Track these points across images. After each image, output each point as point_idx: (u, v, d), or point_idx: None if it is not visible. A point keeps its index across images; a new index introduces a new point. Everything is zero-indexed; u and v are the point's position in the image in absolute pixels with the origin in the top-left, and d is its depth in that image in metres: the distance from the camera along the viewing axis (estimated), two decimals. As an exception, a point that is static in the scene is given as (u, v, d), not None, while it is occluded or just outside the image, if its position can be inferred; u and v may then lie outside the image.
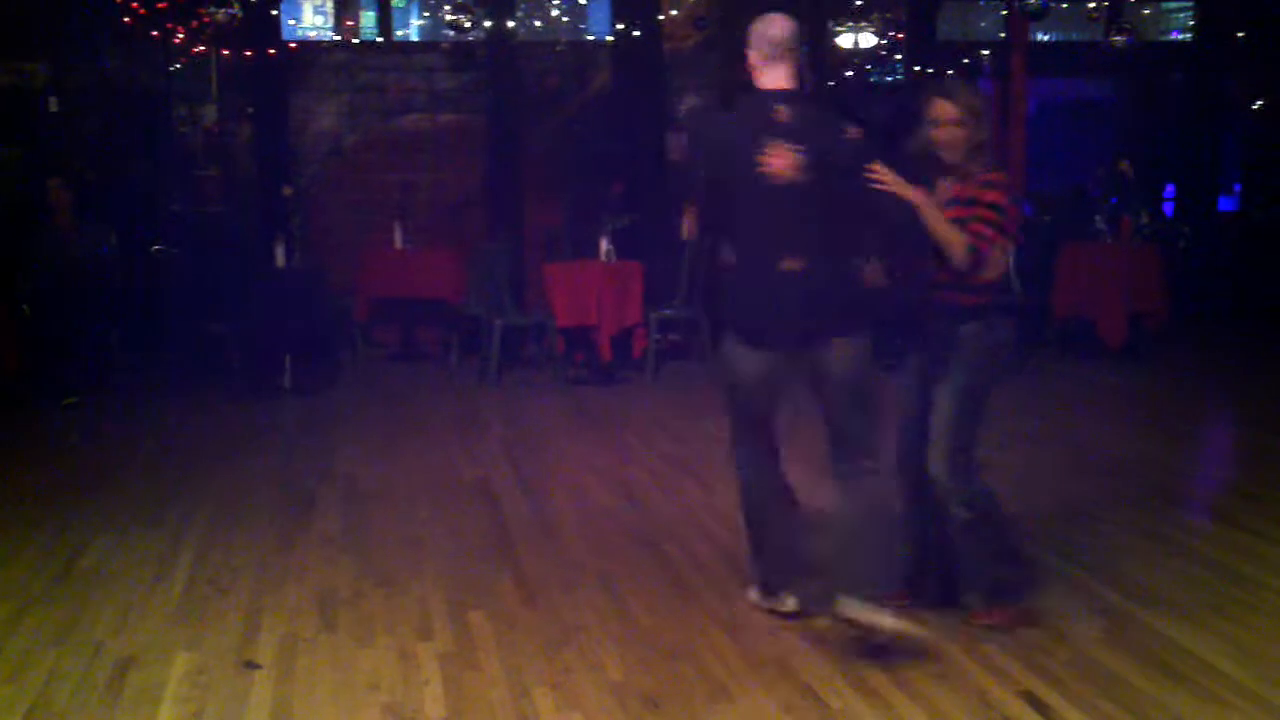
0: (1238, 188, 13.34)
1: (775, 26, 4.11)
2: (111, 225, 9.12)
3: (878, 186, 4.00)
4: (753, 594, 4.54)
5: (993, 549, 4.33)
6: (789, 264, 4.04)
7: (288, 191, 9.98)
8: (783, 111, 4.05)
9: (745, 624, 4.40)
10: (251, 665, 4.12)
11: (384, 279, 9.99)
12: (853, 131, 4.06)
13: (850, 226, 4.14)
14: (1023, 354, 4.34)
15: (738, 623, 4.41)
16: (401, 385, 9.20)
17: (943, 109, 4.14)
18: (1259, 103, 12.18)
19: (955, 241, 4.05)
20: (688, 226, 4.36)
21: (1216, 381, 9.19)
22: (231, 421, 7.94)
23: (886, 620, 4.03)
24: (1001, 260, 4.28)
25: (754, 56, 4.13)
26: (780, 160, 3.99)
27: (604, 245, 8.99)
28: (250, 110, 10.74)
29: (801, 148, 3.98)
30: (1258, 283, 11.28)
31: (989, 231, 4.08)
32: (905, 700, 3.78)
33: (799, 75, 4.13)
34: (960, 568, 4.37)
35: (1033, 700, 3.76)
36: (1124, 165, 10.15)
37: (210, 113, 10.86)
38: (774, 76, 4.11)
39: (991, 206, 4.10)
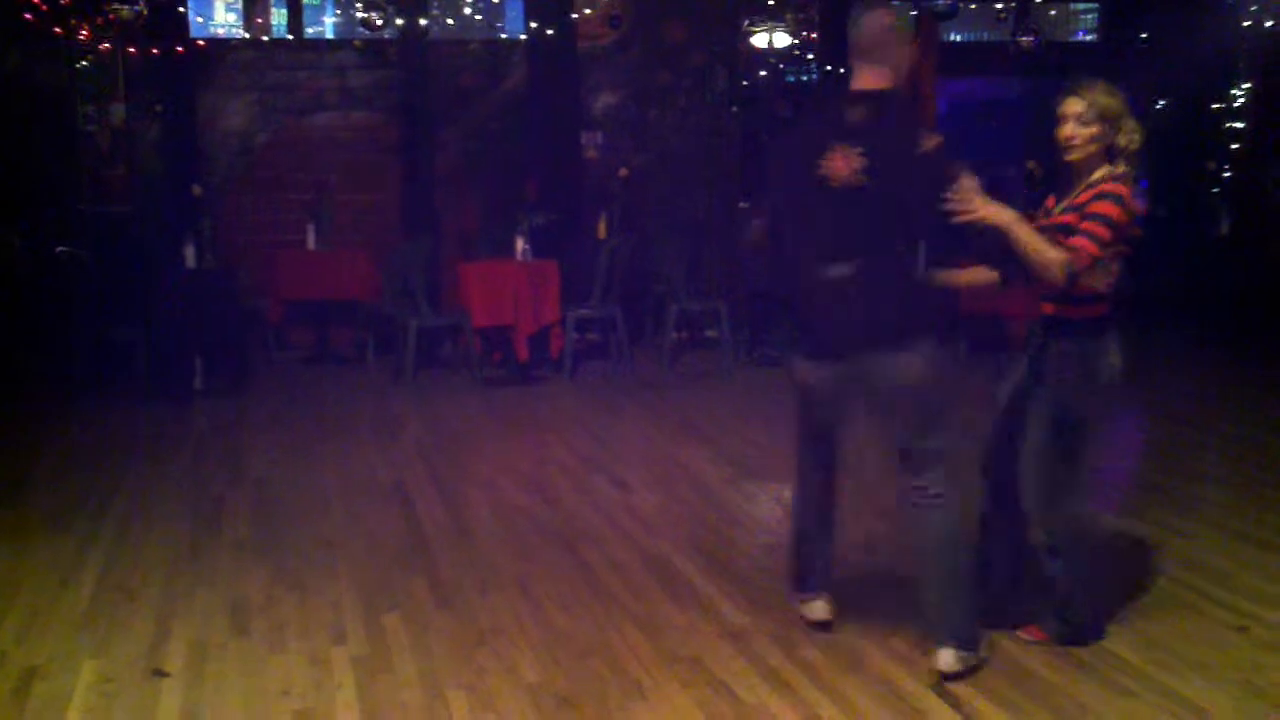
0: (1144, 184, 13.62)
1: (862, 23, 3.92)
2: (14, 225, 8.92)
3: (962, 209, 3.76)
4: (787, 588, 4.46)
5: (1072, 576, 4.12)
6: (838, 271, 3.80)
7: (197, 191, 9.83)
8: (857, 113, 3.83)
9: (661, 623, 4.41)
10: (160, 673, 4.05)
11: (296, 280, 9.88)
12: (930, 141, 3.81)
13: (914, 236, 3.93)
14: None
15: (653, 622, 4.42)
16: (316, 387, 9.11)
17: (1068, 104, 3.93)
18: (1161, 102, 12.44)
19: (1051, 261, 3.77)
20: (755, 236, 4.17)
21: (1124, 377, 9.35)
22: (140, 424, 7.81)
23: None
24: (1113, 268, 3.97)
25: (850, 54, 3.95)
26: (840, 164, 3.77)
27: (520, 244, 8.97)
28: (158, 108, 10.55)
29: (863, 150, 3.74)
30: (1160, 278, 11.52)
31: (1091, 247, 3.79)
32: (818, 694, 3.82)
33: (894, 76, 3.90)
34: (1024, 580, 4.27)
35: (943, 692, 3.81)
36: (1033, 165, 10.32)
37: (117, 111, 10.65)
38: (861, 76, 3.92)
39: (1099, 219, 3.82)
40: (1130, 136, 3.95)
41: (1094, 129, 3.91)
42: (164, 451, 7.12)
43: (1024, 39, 10.59)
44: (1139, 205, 3.98)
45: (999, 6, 11.67)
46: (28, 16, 9.89)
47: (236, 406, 8.41)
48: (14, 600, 4.72)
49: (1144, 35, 11.98)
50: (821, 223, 3.87)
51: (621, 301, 9.37)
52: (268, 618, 4.53)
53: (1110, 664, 4.01)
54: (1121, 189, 3.86)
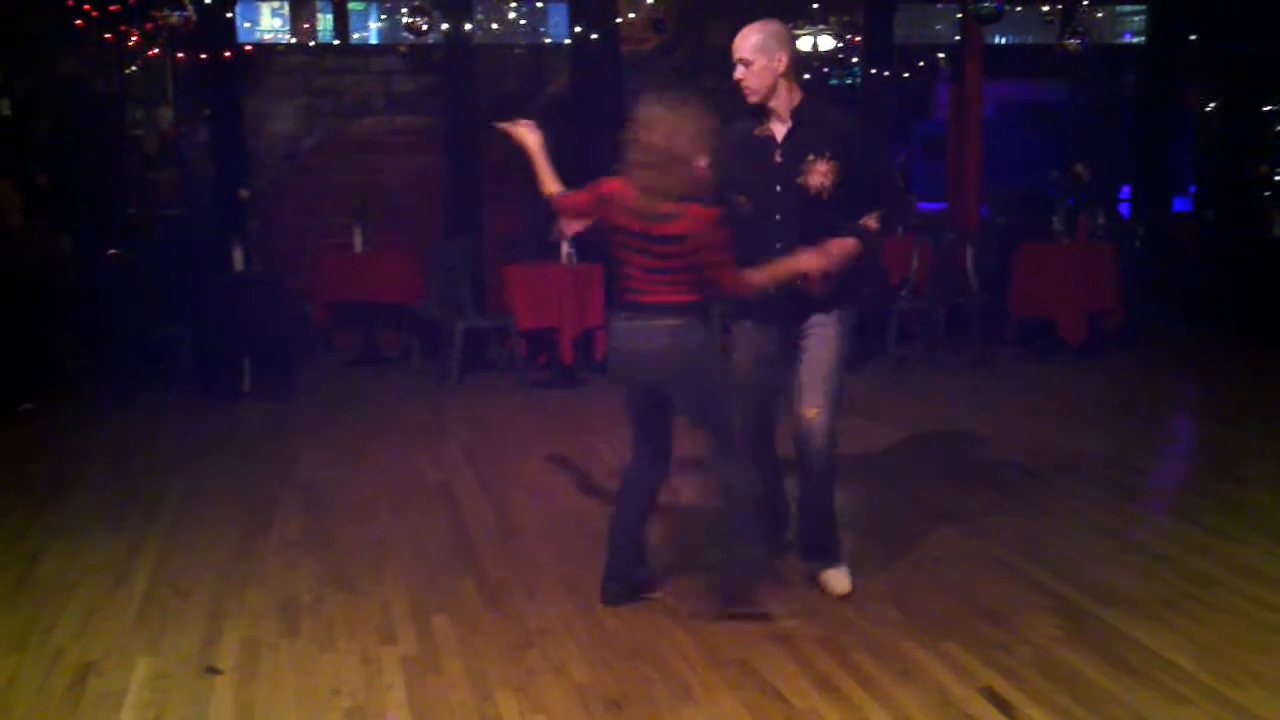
0: (1193, 189, 13.51)
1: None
2: (65, 229, 9.04)
3: None
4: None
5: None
6: None
7: (244, 194, 9.92)
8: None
9: (709, 625, 4.40)
10: (213, 670, 4.09)
11: (343, 282, 9.93)
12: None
13: None
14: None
15: (701, 624, 4.41)
16: (362, 389, 9.16)
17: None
18: (1212, 105, 12.33)
19: None
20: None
21: (1171, 380, 9.30)
22: (190, 426, 7.88)
23: None
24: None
25: (788, 60, 4.41)
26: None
27: (565, 248, 8.99)
28: (206, 113, 10.66)
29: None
30: (1211, 282, 11.41)
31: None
32: (868, 698, 3.80)
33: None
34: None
35: (993, 697, 3.79)
36: (1079, 168, 10.26)
37: (166, 115, 10.77)
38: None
39: None
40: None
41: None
42: (214, 452, 7.19)
43: (1071, 41, 10.52)
44: None
45: (1045, 9, 11.59)
46: (79, 23, 10.02)
47: (284, 408, 8.47)
48: (69, 598, 4.78)
49: (1193, 37, 11.86)
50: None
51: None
52: (317, 617, 4.57)
53: (1166, 671, 3.97)
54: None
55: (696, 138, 4.23)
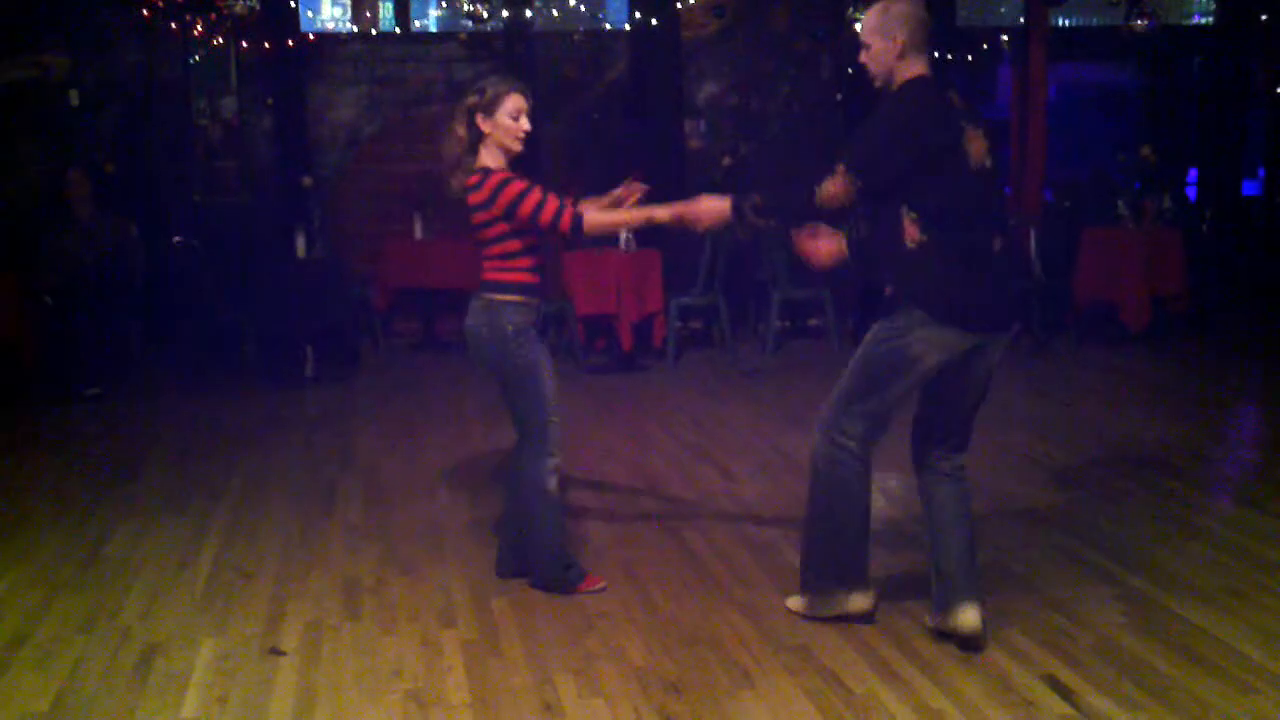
0: (1262, 172, 13.25)
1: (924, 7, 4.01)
2: (132, 217, 9.17)
3: None
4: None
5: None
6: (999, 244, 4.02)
7: (307, 182, 10.00)
8: (955, 97, 4.02)
9: (767, 611, 4.39)
10: (276, 652, 4.14)
11: (404, 269, 10.01)
12: None
13: None
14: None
15: (759, 610, 4.41)
16: (422, 374, 9.22)
17: None
18: (1282, 87, 12.09)
19: None
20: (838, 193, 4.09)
21: (1238, 365, 9.15)
22: (253, 411, 7.97)
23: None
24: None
25: (905, 41, 3.98)
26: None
27: (623, 233, 8.98)
28: (269, 102, 10.77)
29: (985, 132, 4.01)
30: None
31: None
32: (929, 685, 3.78)
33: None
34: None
35: (1055, 684, 3.75)
36: (1146, 151, 10.10)
37: (230, 104, 10.89)
38: (918, 65, 3.99)
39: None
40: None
41: None
42: (277, 437, 7.27)
43: (1138, 23, 10.34)
44: None
45: (1110, -10, 11.40)
46: (146, 14, 10.15)
47: (346, 393, 8.55)
48: (135, 579, 4.86)
49: (1264, 17, 11.62)
50: (984, 200, 4.00)
51: (724, 290, 9.35)
52: (379, 599, 4.61)
53: (1232, 660, 3.91)
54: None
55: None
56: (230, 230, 10.16)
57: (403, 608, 4.52)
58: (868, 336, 4.09)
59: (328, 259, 9.45)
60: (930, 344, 3.90)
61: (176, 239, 9.62)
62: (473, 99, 4.43)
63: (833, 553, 4.19)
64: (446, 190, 4.56)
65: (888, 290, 4.04)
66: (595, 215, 4.50)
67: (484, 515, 5.63)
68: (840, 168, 3.89)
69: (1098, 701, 3.64)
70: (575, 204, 4.57)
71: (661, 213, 4.44)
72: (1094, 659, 3.93)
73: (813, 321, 10.21)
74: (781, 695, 3.75)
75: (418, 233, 10.12)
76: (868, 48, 4.12)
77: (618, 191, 4.70)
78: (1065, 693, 3.70)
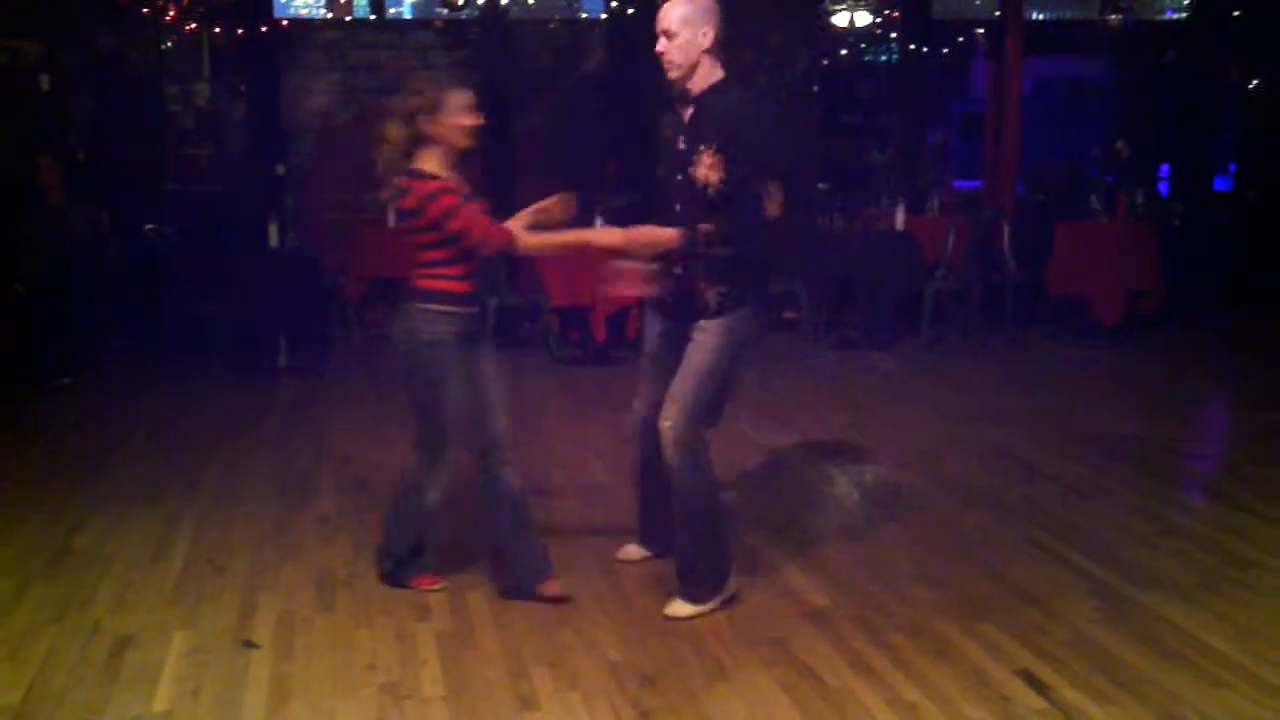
0: (1233, 167, 13.33)
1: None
2: (103, 204, 9.09)
3: None
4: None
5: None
6: None
7: (281, 170, 9.94)
8: None
9: (743, 604, 4.40)
10: (250, 644, 4.12)
11: (377, 258, 9.94)
12: None
13: None
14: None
15: (735, 602, 4.41)
16: (396, 365, 9.14)
17: None
18: (1254, 82, 12.16)
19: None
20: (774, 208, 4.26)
21: (1211, 360, 9.21)
22: (226, 402, 7.92)
23: None
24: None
25: (715, 36, 4.11)
26: None
27: (598, 225, 8.96)
28: (243, 88, 10.70)
29: None
30: (1252, 262, 11.28)
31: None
32: (903, 679, 3.79)
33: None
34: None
35: (1030, 679, 3.78)
36: (1119, 145, 10.15)
37: (203, 91, 10.81)
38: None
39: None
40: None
41: None
42: (250, 427, 7.23)
43: (1113, 17, 10.39)
44: None
45: (1086, -16, 11.47)
46: (117, -1, 10.09)
47: (320, 383, 8.51)
48: (107, 571, 4.82)
49: (1236, 13, 11.69)
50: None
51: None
52: (353, 592, 4.59)
53: (1201, 653, 3.94)
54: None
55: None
56: (203, 218, 10.09)
57: (377, 600, 4.51)
58: (702, 341, 4.23)
59: (301, 247, 9.39)
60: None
61: (149, 227, 9.55)
62: (414, 102, 4.25)
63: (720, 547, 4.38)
64: (380, 196, 4.49)
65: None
66: (529, 238, 4.34)
67: (456, 508, 5.60)
68: (775, 185, 3.97)
69: (1071, 695, 3.67)
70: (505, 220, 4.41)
71: (602, 238, 4.42)
72: (1067, 652, 3.95)
73: (788, 315, 10.21)
74: (756, 688, 3.76)
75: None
76: (673, 36, 4.11)
77: (547, 202, 4.52)
78: (1039, 686, 3.72)
